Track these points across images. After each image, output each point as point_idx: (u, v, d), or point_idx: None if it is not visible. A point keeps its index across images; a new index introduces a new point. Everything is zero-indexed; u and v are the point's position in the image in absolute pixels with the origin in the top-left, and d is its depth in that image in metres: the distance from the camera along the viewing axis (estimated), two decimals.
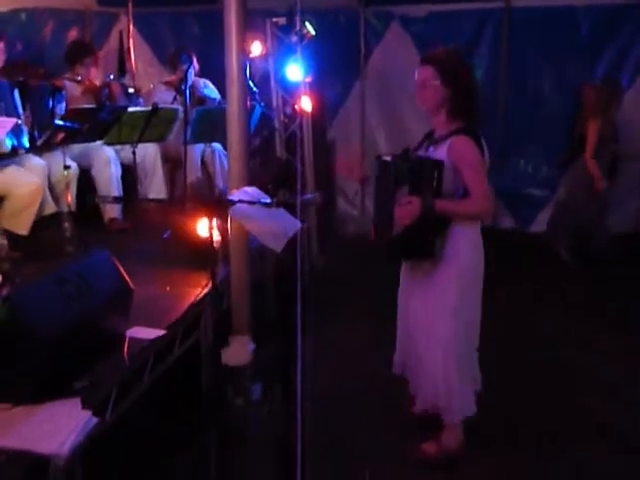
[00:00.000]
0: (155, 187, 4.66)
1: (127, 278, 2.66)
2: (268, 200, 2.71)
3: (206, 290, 3.28)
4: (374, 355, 3.74)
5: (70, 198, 3.89)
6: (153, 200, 4.52)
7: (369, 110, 6.51)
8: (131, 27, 4.90)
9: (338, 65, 6.26)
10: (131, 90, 4.42)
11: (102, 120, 3.76)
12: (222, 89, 5.38)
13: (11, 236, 3.73)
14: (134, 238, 4.23)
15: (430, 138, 2.72)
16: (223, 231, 3.48)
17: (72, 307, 2.31)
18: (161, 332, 2.74)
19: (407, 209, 2.53)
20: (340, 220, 6.50)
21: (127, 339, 2.63)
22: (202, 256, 3.60)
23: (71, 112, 3.59)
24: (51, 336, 2.16)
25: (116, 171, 4.43)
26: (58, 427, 2.00)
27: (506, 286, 4.68)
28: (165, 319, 2.91)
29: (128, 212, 4.53)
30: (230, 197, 2.64)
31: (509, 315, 4.36)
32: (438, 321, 2.66)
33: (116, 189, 4.40)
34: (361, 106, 6.50)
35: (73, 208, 3.98)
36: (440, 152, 2.58)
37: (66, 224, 3.85)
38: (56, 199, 3.98)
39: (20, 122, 3.61)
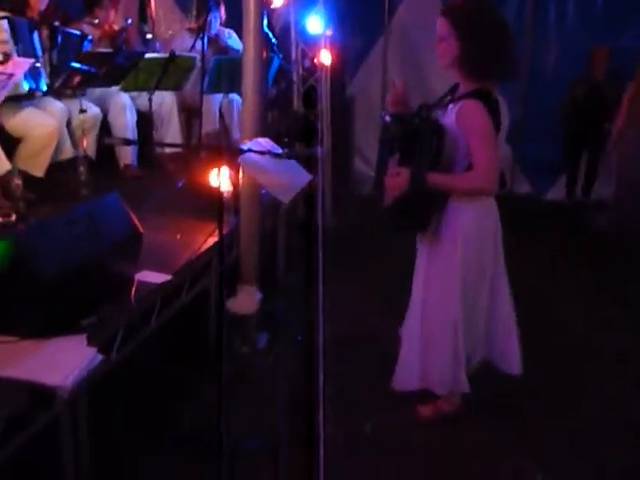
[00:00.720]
0: (171, 135, 4.65)
1: (137, 222, 2.69)
2: (279, 151, 2.71)
3: (215, 239, 3.32)
4: (380, 315, 3.78)
5: (86, 143, 3.91)
6: (168, 145, 4.52)
7: (391, 67, 6.42)
8: None
9: (361, 20, 6.14)
10: (149, 36, 4.38)
11: (119, 65, 3.75)
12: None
13: (26, 177, 3.77)
14: (148, 185, 4.26)
15: (453, 93, 2.48)
16: (235, 181, 3.49)
17: (81, 247, 2.35)
18: (166, 276, 2.78)
19: (395, 181, 2.38)
20: (356, 180, 6.46)
21: (135, 282, 2.67)
22: (213, 205, 3.65)
23: (87, 55, 3.58)
24: (59, 274, 2.21)
25: (131, 117, 4.43)
26: (63, 361, 2.05)
27: (518, 250, 4.64)
28: (174, 265, 2.94)
29: (143, 160, 4.55)
30: (241, 146, 2.64)
31: (520, 281, 4.33)
32: (440, 299, 2.55)
33: (131, 135, 4.41)
34: (383, 63, 6.41)
35: (91, 153, 4.00)
36: (451, 116, 2.38)
37: (81, 168, 3.88)
38: (75, 144, 4.00)
39: (38, 64, 3.60)
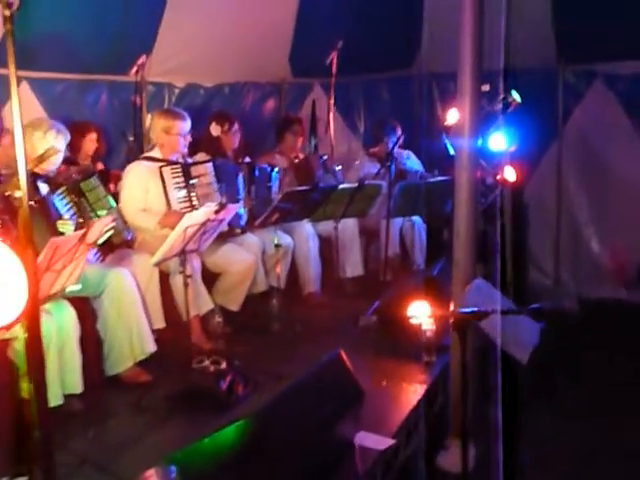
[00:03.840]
0: (352, 261, 4.60)
1: (358, 381, 2.53)
2: (511, 305, 2.49)
3: (425, 387, 3.10)
4: (599, 459, 3.31)
5: (280, 275, 3.93)
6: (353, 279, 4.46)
7: (566, 174, 6.07)
8: (331, 101, 4.96)
9: (533, 126, 5.91)
10: (338, 167, 4.43)
11: (313, 200, 3.78)
12: (419, 157, 5.29)
13: (222, 311, 3.82)
14: (333, 315, 4.16)
15: None
16: (439, 320, 3.29)
17: (312, 418, 2.23)
18: (388, 441, 2.57)
19: None
20: (532, 291, 6.04)
21: (357, 447, 2.48)
22: (414, 344, 3.45)
23: (288, 195, 3.65)
24: (295, 452, 2.08)
25: (314, 245, 4.44)
26: None
27: None
28: (387, 422, 2.73)
29: (326, 285, 4.49)
30: (470, 305, 2.43)
31: None
32: None
33: (314, 263, 4.39)
34: (557, 169, 6.08)
35: (282, 285, 4.01)
36: None
37: (274, 301, 3.88)
38: (266, 274, 4.04)
39: (240, 206, 3.71)
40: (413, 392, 3.01)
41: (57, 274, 2.15)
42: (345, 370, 2.50)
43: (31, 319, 1.63)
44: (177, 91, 5.36)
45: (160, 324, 3.42)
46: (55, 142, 3.01)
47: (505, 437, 2.77)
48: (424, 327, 3.34)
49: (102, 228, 2.42)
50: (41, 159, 2.71)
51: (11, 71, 1.39)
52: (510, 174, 4.71)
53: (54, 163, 2.99)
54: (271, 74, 5.94)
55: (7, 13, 1.37)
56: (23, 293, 1.37)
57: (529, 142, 5.95)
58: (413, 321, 3.37)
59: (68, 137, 3.18)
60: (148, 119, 4.98)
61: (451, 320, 2.19)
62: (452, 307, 3.00)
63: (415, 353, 3.36)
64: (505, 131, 4.63)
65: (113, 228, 2.84)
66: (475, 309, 2.17)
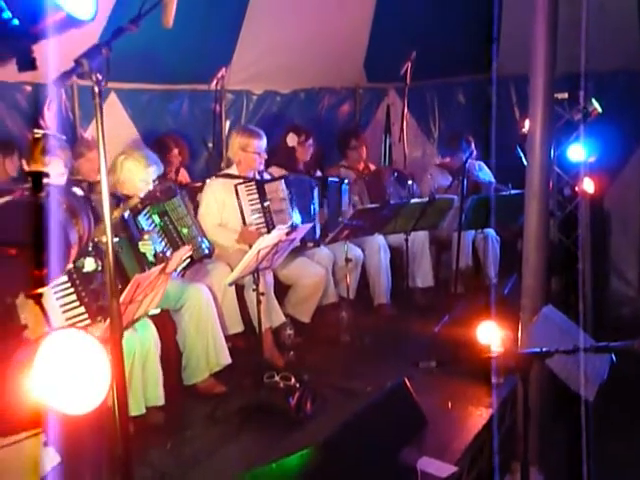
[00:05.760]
0: (422, 271, 4.62)
1: (422, 409, 2.59)
2: (588, 341, 2.45)
3: (491, 411, 3.11)
4: None
5: (350, 286, 4.01)
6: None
7: None
8: (405, 109, 4.97)
9: (616, 132, 5.68)
10: (410, 182, 4.45)
11: (383, 216, 3.82)
12: (490, 167, 5.21)
13: (293, 322, 3.94)
14: (403, 327, 4.20)
15: None
16: (509, 342, 3.26)
17: (375, 446, 2.30)
18: (451, 467, 2.61)
19: None
20: (613, 301, 5.84)
21: (419, 473, 2.54)
22: (482, 365, 3.44)
23: (359, 212, 3.72)
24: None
25: (385, 257, 4.48)
26: None
27: None
28: (451, 447, 2.77)
29: (396, 297, 4.53)
30: (537, 338, 2.42)
31: None
32: None
33: (385, 275, 4.44)
34: None
35: (352, 296, 4.09)
36: None
37: (344, 313, 3.96)
38: (336, 285, 4.13)
39: (314, 224, 3.81)
40: (479, 416, 3.03)
41: (139, 304, 2.32)
42: (409, 398, 2.56)
43: (115, 352, 1.77)
44: (255, 98, 5.50)
45: (238, 328, 3.60)
46: (153, 175, 3.24)
47: (576, 463, 2.74)
48: (493, 348, 3.33)
49: (180, 258, 2.58)
50: (124, 208, 2.90)
51: (100, 151, 1.51)
52: (589, 185, 4.58)
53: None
54: (346, 79, 5.98)
55: (97, 90, 1.50)
56: (107, 381, 1.50)
57: (611, 150, 5.74)
58: (482, 341, 3.38)
59: (162, 169, 3.39)
60: (227, 126, 5.19)
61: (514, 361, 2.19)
62: (519, 334, 3.00)
63: (483, 374, 3.35)
64: (585, 141, 4.50)
65: (192, 249, 3.00)
66: (538, 350, 2.16)
